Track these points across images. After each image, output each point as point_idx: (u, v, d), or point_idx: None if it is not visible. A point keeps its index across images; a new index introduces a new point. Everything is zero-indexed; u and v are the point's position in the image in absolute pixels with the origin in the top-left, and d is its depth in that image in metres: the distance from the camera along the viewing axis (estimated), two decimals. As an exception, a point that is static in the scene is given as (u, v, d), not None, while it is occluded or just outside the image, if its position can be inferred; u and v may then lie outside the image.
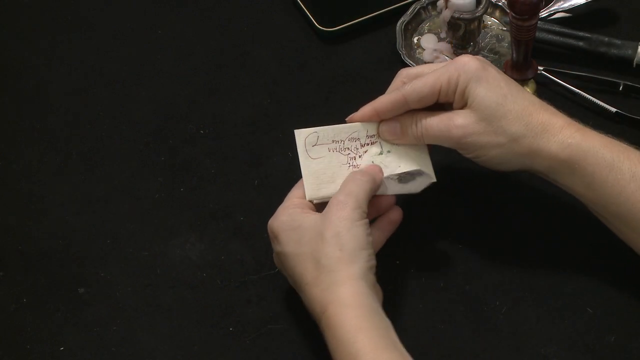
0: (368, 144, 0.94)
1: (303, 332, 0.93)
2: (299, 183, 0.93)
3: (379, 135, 0.94)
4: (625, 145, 0.88)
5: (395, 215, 0.93)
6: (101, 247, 0.99)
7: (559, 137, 0.88)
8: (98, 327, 0.94)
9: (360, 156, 0.94)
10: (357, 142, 0.94)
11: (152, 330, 0.94)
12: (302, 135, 0.93)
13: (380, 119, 0.93)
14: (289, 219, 0.88)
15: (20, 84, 1.12)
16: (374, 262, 0.87)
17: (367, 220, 0.88)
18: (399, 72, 0.95)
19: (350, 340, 0.81)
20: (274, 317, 0.94)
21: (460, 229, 0.98)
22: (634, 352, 0.90)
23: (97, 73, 1.13)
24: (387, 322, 0.84)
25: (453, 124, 0.89)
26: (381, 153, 0.94)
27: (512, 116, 0.88)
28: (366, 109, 0.93)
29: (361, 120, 0.94)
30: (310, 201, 0.92)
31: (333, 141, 0.94)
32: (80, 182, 1.04)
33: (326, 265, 0.85)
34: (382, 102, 0.93)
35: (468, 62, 0.90)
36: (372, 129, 0.94)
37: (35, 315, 0.95)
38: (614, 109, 1.04)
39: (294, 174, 0.94)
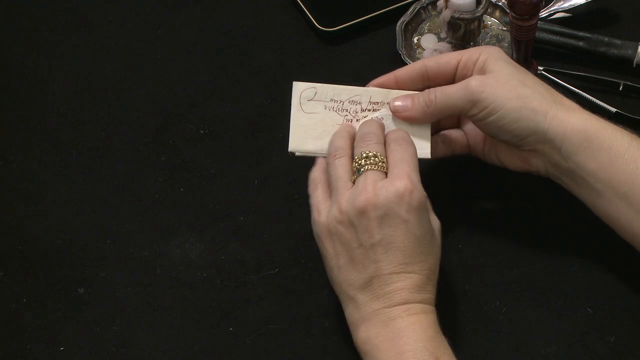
0: (369, 110, 0.93)
1: (303, 332, 0.93)
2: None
3: (384, 104, 0.93)
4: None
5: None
6: (101, 247, 0.99)
7: (577, 112, 0.89)
8: (98, 327, 0.94)
9: (357, 120, 0.92)
10: (358, 106, 0.93)
11: (152, 330, 0.94)
12: (299, 88, 0.92)
13: (398, 87, 0.93)
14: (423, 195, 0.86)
15: (20, 84, 1.12)
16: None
17: None
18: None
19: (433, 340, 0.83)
20: (274, 317, 0.94)
21: (460, 228, 0.98)
22: (634, 352, 0.90)
23: (97, 73, 1.13)
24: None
25: (470, 80, 0.90)
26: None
27: (532, 84, 0.89)
28: (386, 75, 0.94)
29: (380, 84, 0.94)
30: (292, 153, 0.91)
31: (332, 100, 0.92)
32: (80, 182, 1.04)
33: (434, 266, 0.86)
34: (402, 70, 0.93)
35: (491, 47, 0.92)
36: (376, 96, 0.92)
37: (35, 315, 0.95)
38: (614, 109, 1.04)
39: (294, 174, 0.95)
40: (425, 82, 0.93)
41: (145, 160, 1.05)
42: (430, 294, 0.85)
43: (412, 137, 0.91)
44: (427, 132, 0.93)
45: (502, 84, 0.89)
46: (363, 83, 1.10)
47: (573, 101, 0.90)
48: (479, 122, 0.90)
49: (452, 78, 0.92)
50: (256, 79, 1.11)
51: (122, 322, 0.94)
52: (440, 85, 0.92)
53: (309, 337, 0.93)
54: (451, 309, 0.93)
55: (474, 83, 0.89)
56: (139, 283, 0.97)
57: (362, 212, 0.84)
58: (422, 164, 1.00)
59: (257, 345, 0.92)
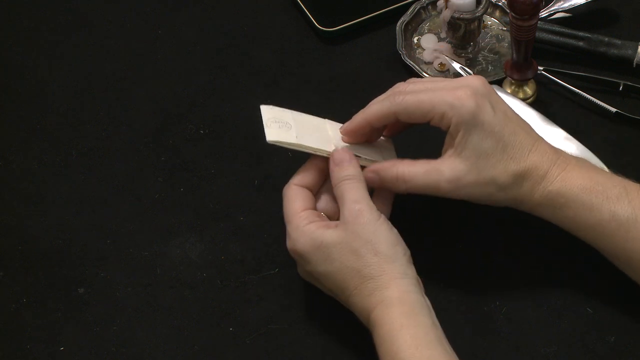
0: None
1: (303, 332, 0.93)
2: (291, 196, 0.92)
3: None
4: (604, 182, 0.89)
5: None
6: (101, 247, 0.99)
7: (541, 185, 0.89)
8: (98, 327, 0.94)
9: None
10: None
11: (152, 330, 0.94)
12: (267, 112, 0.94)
13: (371, 129, 0.93)
14: (309, 239, 0.88)
15: (20, 84, 1.12)
16: (408, 252, 0.88)
17: (383, 216, 0.89)
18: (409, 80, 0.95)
19: (393, 338, 0.83)
20: (274, 317, 0.94)
21: (460, 228, 0.99)
22: (634, 352, 0.90)
23: (97, 73, 1.13)
24: (433, 319, 0.85)
25: (443, 179, 0.89)
26: None
27: (502, 166, 0.89)
28: (359, 120, 0.93)
29: (354, 131, 0.93)
30: (273, 144, 0.91)
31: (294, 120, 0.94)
32: (80, 182, 1.04)
33: (368, 274, 0.86)
34: (373, 113, 0.92)
35: (465, 101, 0.88)
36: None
37: (35, 315, 0.95)
38: (614, 109, 1.04)
39: (294, 174, 0.94)
40: (399, 123, 0.93)
41: (145, 160, 1.05)
42: (382, 290, 0.85)
43: (380, 158, 0.94)
44: (393, 153, 0.95)
45: (474, 180, 0.89)
46: (363, 83, 1.10)
47: (543, 160, 0.89)
48: None
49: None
50: (256, 79, 1.11)
51: (122, 322, 0.94)
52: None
53: (309, 337, 0.93)
54: (451, 309, 0.93)
55: (445, 186, 0.89)
56: (139, 283, 0.97)
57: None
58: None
59: (257, 345, 0.92)
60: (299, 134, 0.93)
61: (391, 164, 0.92)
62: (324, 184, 0.93)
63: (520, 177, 0.89)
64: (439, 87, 0.90)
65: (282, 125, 0.93)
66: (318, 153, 0.93)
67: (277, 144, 0.92)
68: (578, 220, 0.89)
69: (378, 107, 0.92)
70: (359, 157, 0.92)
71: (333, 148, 0.93)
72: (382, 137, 0.96)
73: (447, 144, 0.90)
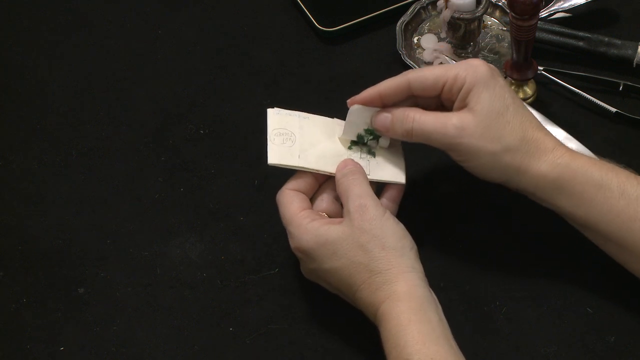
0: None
1: (303, 332, 0.93)
2: (287, 199, 0.92)
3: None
4: (612, 165, 0.89)
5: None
6: (101, 247, 0.99)
7: (549, 156, 0.89)
8: (98, 327, 0.94)
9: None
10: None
11: (152, 330, 0.94)
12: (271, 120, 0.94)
13: (382, 103, 0.93)
14: (313, 237, 0.88)
15: (20, 84, 1.12)
16: (415, 246, 0.88)
17: (388, 211, 0.89)
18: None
19: (400, 332, 0.83)
20: (274, 317, 0.94)
21: (460, 228, 0.99)
22: (634, 352, 0.90)
23: (97, 73, 1.13)
24: (440, 315, 0.85)
25: (450, 122, 0.89)
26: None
27: (510, 127, 0.89)
28: (369, 91, 0.93)
29: (363, 102, 0.93)
30: (273, 165, 0.92)
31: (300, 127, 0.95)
32: (80, 182, 1.04)
33: (375, 268, 0.86)
34: (385, 85, 0.93)
35: (479, 66, 0.90)
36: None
37: (35, 315, 0.95)
38: (614, 109, 1.04)
39: (293, 173, 0.94)
40: (410, 97, 0.93)
41: (145, 160, 1.05)
42: (390, 284, 0.85)
43: (386, 164, 0.94)
44: (401, 159, 0.95)
45: (480, 133, 0.89)
46: (363, 83, 1.09)
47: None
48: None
49: (437, 96, 0.92)
50: (256, 79, 1.11)
51: (122, 322, 0.94)
52: (426, 98, 0.93)
53: (309, 337, 0.93)
54: (451, 309, 0.93)
55: (451, 130, 0.89)
56: (139, 283, 0.97)
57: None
58: (425, 162, 1.00)
59: (257, 345, 0.92)
60: (303, 149, 0.93)
61: (404, 108, 0.92)
62: (319, 189, 0.94)
63: (528, 143, 0.89)
64: (450, 65, 0.92)
65: (286, 139, 0.93)
66: (320, 173, 0.93)
67: (279, 166, 0.92)
68: (585, 197, 0.88)
69: (390, 80, 0.93)
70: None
71: (335, 167, 0.93)
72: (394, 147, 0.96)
73: (459, 102, 0.91)
